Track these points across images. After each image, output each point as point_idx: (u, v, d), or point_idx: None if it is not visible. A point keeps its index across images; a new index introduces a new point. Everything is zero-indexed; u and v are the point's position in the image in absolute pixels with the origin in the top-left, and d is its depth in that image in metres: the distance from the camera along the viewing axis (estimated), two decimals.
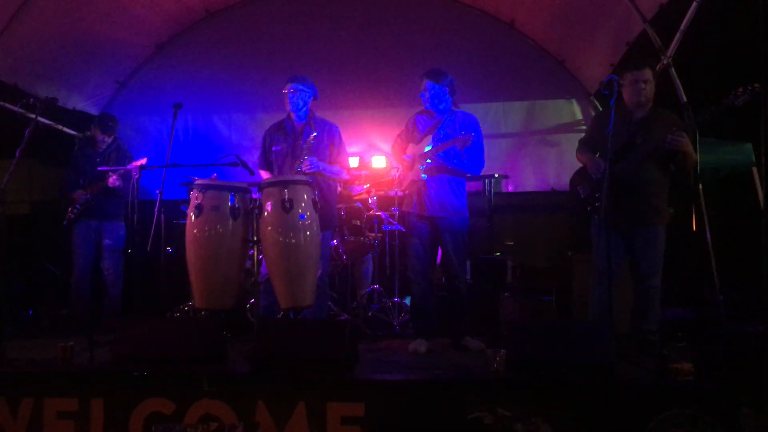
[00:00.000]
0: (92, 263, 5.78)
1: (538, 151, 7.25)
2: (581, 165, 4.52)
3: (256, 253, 4.29)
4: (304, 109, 4.77)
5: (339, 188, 5.56)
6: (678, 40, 5.42)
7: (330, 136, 4.77)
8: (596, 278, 4.27)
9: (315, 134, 4.63)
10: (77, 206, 5.68)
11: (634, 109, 4.28)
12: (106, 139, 5.85)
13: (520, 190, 7.16)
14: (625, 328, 4.33)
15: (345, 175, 4.90)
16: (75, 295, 5.70)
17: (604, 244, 3.98)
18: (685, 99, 5.56)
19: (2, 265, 4.09)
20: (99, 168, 5.50)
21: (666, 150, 4.10)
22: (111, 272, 5.74)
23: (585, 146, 4.53)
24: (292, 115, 4.80)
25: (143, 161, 5.17)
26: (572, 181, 4.56)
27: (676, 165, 4.23)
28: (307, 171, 4.54)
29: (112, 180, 5.54)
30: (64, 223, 5.71)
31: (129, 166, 5.33)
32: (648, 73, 4.23)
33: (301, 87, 4.73)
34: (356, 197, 6.10)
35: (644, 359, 3.57)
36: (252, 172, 4.70)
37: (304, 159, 4.56)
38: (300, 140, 4.70)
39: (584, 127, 7.10)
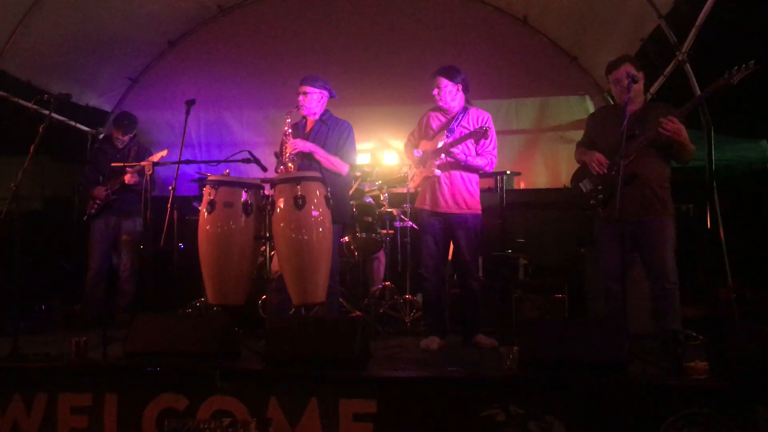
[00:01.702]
0: (108, 259, 5.82)
1: (550, 147, 7.21)
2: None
3: (268, 249, 4.29)
4: (317, 108, 4.76)
5: (353, 184, 5.56)
6: (693, 36, 5.37)
7: (339, 132, 4.73)
8: (604, 277, 4.23)
9: (333, 126, 4.65)
10: (97, 202, 5.73)
11: (627, 105, 4.24)
12: (122, 137, 5.89)
13: (532, 187, 7.13)
14: (645, 329, 4.29)
15: (343, 168, 4.70)
16: (90, 290, 5.74)
17: (617, 240, 3.96)
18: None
19: (16, 261, 4.11)
20: (112, 164, 5.52)
21: (664, 139, 4.04)
22: (127, 268, 5.79)
23: (583, 146, 4.50)
24: (308, 114, 4.80)
25: (164, 153, 5.15)
26: (574, 176, 4.53)
27: (675, 155, 4.18)
28: (292, 152, 4.53)
29: (128, 177, 5.60)
30: (84, 218, 5.77)
31: (143, 162, 5.34)
32: (627, 69, 4.18)
33: (311, 88, 4.71)
34: (368, 193, 6.09)
35: (659, 358, 3.54)
36: (265, 169, 4.70)
37: (288, 140, 4.57)
38: (310, 137, 4.71)
39: None
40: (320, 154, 4.60)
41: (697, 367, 3.19)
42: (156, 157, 5.07)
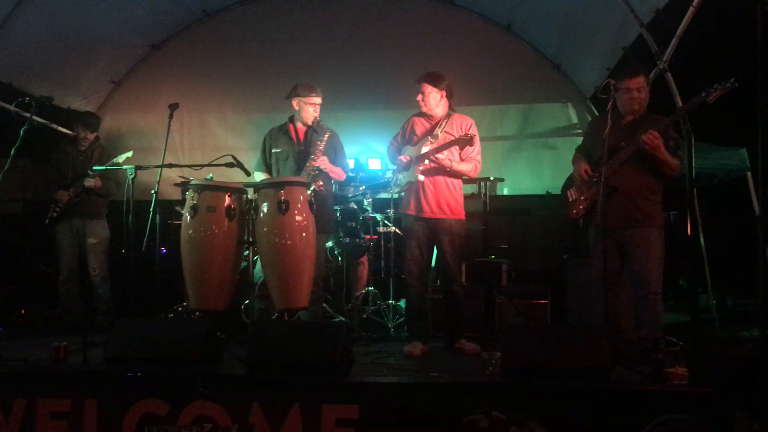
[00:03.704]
0: (79, 262, 5.75)
1: (533, 154, 7.27)
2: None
3: (251, 254, 4.28)
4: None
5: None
6: (674, 45, 5.43)
7: (332, 141, 4.80)
8: (592, 283, 4.25)
9: (328, 135, 4.72)
10: (59, 205, 5.64)
11: (626, 115, 4.25)
12: (89, 136, 5.81)
13: (515, 193, 7.17)
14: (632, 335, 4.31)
15: (342, 176, 4.95)
16: (64, 295, 5.69)
17: (599, 248, 3.98)
18: (680, 104, 5.57)
19: None
20: (92, 168, 5.44)
21: (647, 153, 4.00)
22: (97, 271, 5.70)
23: (579, 153, 4.54)
24: (298, 121, 4.82)
25: (129, 154, 5.09)
26: (565, 185, 4.56)
27: (657, 170, 4.12)
28: (322, 166, 4.63)
29: (93, 182, 5.52)
30: (46, 222, 5.69)
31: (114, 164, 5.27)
32: (642, 80, 4.19)
33: (321, 100, 4.82)
34: (352, 198, 6.09)
35: (640, 364, 3.57)
36: (248, 173, 4.69)
37: (317, 156, 4.63)
38: (307, 145, 4.76)
39: (579, 131, 7.12)
40: (335, 172, 4.79)
41: (677, 373, 3.23)
42: (122, 158, 5.00)
